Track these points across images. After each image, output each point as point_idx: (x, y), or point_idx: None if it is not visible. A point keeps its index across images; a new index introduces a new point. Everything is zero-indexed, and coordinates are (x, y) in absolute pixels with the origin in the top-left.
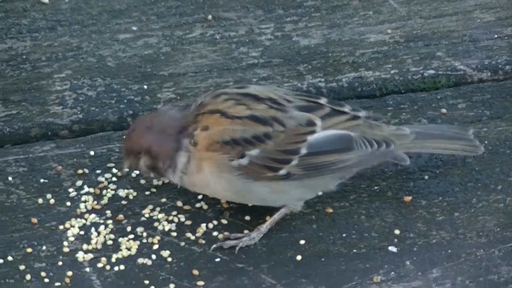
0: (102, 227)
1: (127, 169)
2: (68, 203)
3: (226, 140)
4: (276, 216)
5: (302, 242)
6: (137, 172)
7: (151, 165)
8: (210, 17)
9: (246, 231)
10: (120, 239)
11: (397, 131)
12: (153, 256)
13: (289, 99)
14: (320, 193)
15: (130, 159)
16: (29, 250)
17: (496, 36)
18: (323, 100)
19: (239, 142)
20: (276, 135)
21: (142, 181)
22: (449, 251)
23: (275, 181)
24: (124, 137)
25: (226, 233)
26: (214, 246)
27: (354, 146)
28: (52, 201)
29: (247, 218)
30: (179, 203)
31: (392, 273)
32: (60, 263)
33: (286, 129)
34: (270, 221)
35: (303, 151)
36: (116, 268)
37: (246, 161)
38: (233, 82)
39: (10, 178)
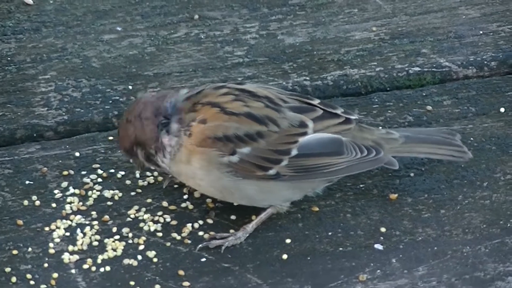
0: (87, 228)
1: (139, 170)
2: (54, 205)
3: (219, 136)
4: (263, 215)
5: (288, 241)
6: (122, 173)
7: (146, 155)
8: (196, 16)
9: (232, 231)
10: (106, 240)
11: (386, 135)
12: (139, 257)
13: (284, 99)
14: (309, 194)
15: (133, 159)
16: (14, 252)
17: (481, 32)
18: (316, 102)
19: (231, 139)
20: (269, 135)
21: (128, 182)
22: (435, 248)
23: (264, 181)
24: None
25: (212, 233)
26: (200, 246)
27: (344, 150)
28: (37, 202)
29: (233, 217)
30: (165, 203)
31: (378, 271)
32: (46, 264)
33: (280, 130)
34: (256, 220)
35: (294, 152)
36: (102, 269)
37: (236, 158)
38: (218, 82)
39: None
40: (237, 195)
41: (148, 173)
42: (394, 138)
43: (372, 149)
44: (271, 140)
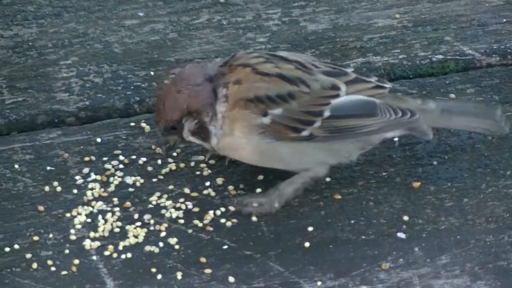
0: (109, 215)
1: (166, 150)
2: (75, 191)
3: (250, 98)
4: (297, 177)
5: (310, 229)
6: (144, 159)
7: (197, 125)
8: (222, 0)
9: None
10: (127, 227)
11: (422, 105)
12: (160, 244)
13: (316, 64)
14: (344, 160)
15: (171, 134)
16: (35, 238)
17: (504, 20)
18: (349, 69)
19: (263, 100)
20: (300, 96)
21: (149, 168)
22: (458, 237)
23: (298, 142)
24: (156, 115)
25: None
26: (233, 210)
27: (378, 112)
28: (58, 188)
29: (255, 204)
30: (187, 190)
31: (401, 259)
32: (66, 251)
33: (311, 91)
34: (289, 180)
35: (327, 113)
36: (123, 256)
37: (268, 120)
38: None
39: (16, 166)
40: (275, 158)
41: (170, 160)
42: (430, 109)
43: (407, 111)
44: (302, 101)
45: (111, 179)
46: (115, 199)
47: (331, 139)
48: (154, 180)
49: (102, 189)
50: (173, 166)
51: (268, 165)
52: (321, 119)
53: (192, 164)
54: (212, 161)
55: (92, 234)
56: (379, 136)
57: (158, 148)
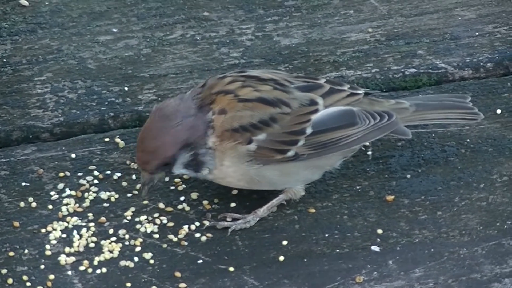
0: (84, 230)
1: (149, 189)
2: (50, 206)
3: (235, 127)
4: (274, 201)
5: (284, 242)
6: (119, 174)
7: (191, 158)
8: (206, 13)
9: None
10: (102, 242)
11: (397, 105)
12: (136, 259)
13: (289, 80)
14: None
15: (160, 171)
16: (11, 253)
17: (477, 33)
18: (322, 80)
19: (247, 128)
20: (282, 118)
21: (124, 183)
22: (432, 250)
23: (284, 163)
24: (145, 155)
25: (223, 214)
26: (207, 224)
27: (358, 120)
28: (34, 204)
29: (229, 219)
30: (161, 205)
31: (375, 272)
32: (42, 266)
33: (292, 111)
34: (267, 205)
35: (309, 130)
36: (98, 271)
37: (254, 146)
38: None
39: None
40: (263, 182)
41: None
42: (404, 107)
43: (385, 114)
44: (284, 123)
45: (86, 194)
46: (90, 215)
47: (316, 155)
48: (129, 195)
49: (77, 205)
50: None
51: (255, 188)
52: (304, 137)
53: (167, 179)
54: (186, 176)
55: (67, 249)
56: (361, 143)
57: (141, 189)
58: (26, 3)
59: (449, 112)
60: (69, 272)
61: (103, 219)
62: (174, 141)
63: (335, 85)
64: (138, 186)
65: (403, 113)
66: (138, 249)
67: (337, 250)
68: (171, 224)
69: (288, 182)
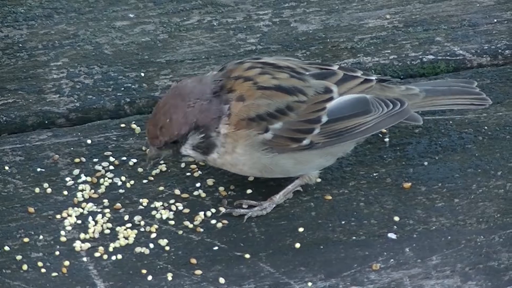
0: (99, 216)
1: (153, 164)
2: (65, 192)
3: (252, 117)
4: (290, 187)
5: (301, 229)
6: (134, 160)
7: (201, 140)
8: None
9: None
10: (118, 228)
11: (407, 91)
12: (151, 245)
13: (304, 67)
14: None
15: (167, 148)
16: (26, 239)
17: (495, 20)
18: (335, 67)
19: (264, 117)
20: (298, 106)
21: (140, 169)
22: (449, 237)
23: (299, 152)
24: (156, 129)
25: (239, 201)
26: (223, 211)
27: (371, 108)
28: (49, 190)
29: (245, 206)
30: (177, 191)
31: (392, 260)
32: (57, 252)
33: (308, 99)
34: (283, 191)
35: (324, 118)
36: (113, 257)
37: (270, 135)
38: None
39: (6, 168)
40: (276, 170)
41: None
42: (415, 93)
43: (397, 102)
44: (300, 111)
45: (102, 180)
46: (106, 201)
47: (331, 144)
48: (145, 181)
49: (93, 191)
50: (163, 168)
51: (267, 176)
52: (319, 125)
53: (183, 165)
54: (202, 162)
55: (82, 235)
56: (375, 130)
57: (146, 162)
58: None
59: (458, 97)
60: (84, 259)
61: (118, 205)
62: (184, 121)
63: (349, 72)
64: (154, 172)
65: (413, 99)
66: (153, 235)
67: (354, 238)
68: (186, 210)
69: (302, 169)
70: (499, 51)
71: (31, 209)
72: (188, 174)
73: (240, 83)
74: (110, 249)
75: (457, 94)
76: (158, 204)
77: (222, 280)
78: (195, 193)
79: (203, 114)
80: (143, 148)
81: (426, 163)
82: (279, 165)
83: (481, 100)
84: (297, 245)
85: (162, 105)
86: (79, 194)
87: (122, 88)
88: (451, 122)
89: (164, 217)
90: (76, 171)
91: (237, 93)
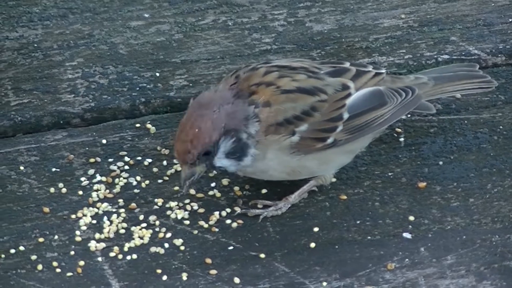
0: (114, 216)
1: (190, 184)
2: (80, 192)
3: (280, 122)
4: (306, 187)
5: (316, 229)
6: (149, 160)
7: (233, 144)
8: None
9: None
10: (133, 228)
11: (417, 81)
12: (166, 245)
13: (317, 66)
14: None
15: (201, 162)
16: (41, 239)
17: (510, 20)
18: (346, 63)
19: (291, 121)
20: (321, 106)
21: (155, 169)
22: (464, 237)
23: (323, 151)
24: (186, 144)
25: (254, 201)
26: (239, 211)
27: (387, 99)
28: (64, 190)
29: (260, 206)
30: (192, 191)
31: (407, 260)
32: (72, 252)
33: (329, 97)
34: (299, 191)
35: (346, 115)
36: (128, 257)
37: (297, 137)
38: None
39: (21, 167)
40: (303, 172)
41: (175, 160)
42: (424, 82)
43: (408, 90)
44: (323, 110)
45: (117, 180)
46: (121, 200)
47: (352, 139)
48: (160, 181)
49: (108, 191)
50: (178, 167)
51: (295, 178)
52: (342, 123)
53: None
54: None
55: (97, 235)
56: (390, 122)
57: (182, 185)
58: None
59: (466, 82)
60: (99, 259)
61: (133, 205)
62: (214, 127)
63: (360, 67)
64: (169, 172)
65: (424, 87)
66: (168, 235)
67: (369, 237)
68: (201, 210)
69: (327, 169)
70: None
71: (46, 209)
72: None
73: (263, 89)
74: (125, 249)
75: (464, 78)
76: (173, 204)
77: (237, 280)
78: (210, 193)
79: (230, 117)
80: (158, 147)
81: (441, 163)
82: (306, 167)
83: (487, 83)
84: (312, 244)
85: (186, 121)
86: (94, 194)
87: (137, 88)
88: (466, 121)
89: (179, 217)
90: (91, 171)
91: (262, 99)
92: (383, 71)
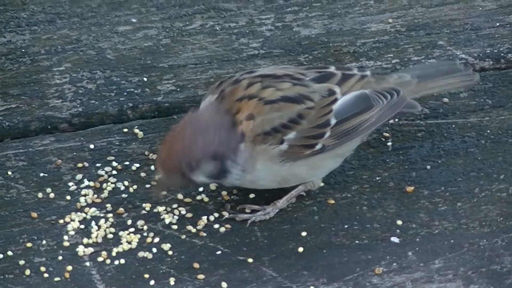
0: (102, 221)
1: (159, 192)
2: (68, 197)
3: (267, 131)
4: (294, 192)
5: (303, 233)
6: (137, 165)
7: (215, 170)
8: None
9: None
10: (121, 233)
11: (400, 80)
12: (154, 250)
13: (302, 72)
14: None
15: (178, 178)
16: (29, 244)
17: (498, 24)
18: (331, 68)
19: (279, 129)
20: (308, 113)
21: (142, 174)
22: (452, 241)
23: (312, 157)
24: (166, 156)
25: (242, 206)
26: (227, 216)
27: (373, 103)
28: (52, 195)
29: (248, 211)
30: (180, 196)
31: (394, 264)
32: (60, 257)
33: (315, 104)
34: (287, 197)
35: (333, 121)
36: (116, 262)
37: (285, 146)
38: (232, 74)
39: (9, 173)
40: (292, 179)
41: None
42: (408, 80)
43: (393, 91)
44: (310, 117)
45: (104, 185)
46: (109, 205)
47: (340, 144)
48: (148, 186)
49: (95, 195)
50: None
51: (286, 186)
52: (329, 128)
53: None
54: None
55: (85, 240)
56: (377, 124)
57: (156, 192)
58: None
59: (449, 77)
60: (87, 263)
61: (121, 210)
62: (201, 146)
63: (345, 71)
64: (157, 177)
65: (408, 86)
66: (156, 240)
67: (357, 242)
68: (189, 215)
69: (316, 174)
70: (502, 54)
71: (34, 214)
72: None
73: (246, 103)
74: (113, 253)
75: (446, 74)
76: (161, 208)
77: (224, 285)
78: (198, 197)
79: (222, 144)
80: (146, 152)
81: (429, 167)
82: (295, 174)
83: (470, 76)
84: (300, 249)
85: (178, 132)
86: (82, 199)
87: (125, 93)
88: (453, 126)
89: (167, 221)
90: (79, 176)
91: (245, 114)
92: (368, 73)
